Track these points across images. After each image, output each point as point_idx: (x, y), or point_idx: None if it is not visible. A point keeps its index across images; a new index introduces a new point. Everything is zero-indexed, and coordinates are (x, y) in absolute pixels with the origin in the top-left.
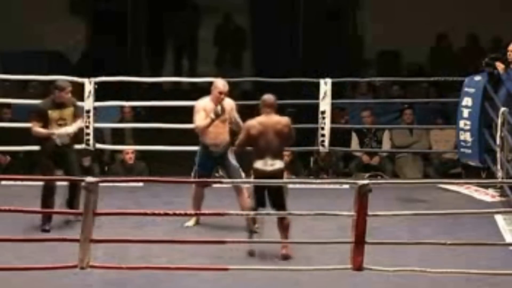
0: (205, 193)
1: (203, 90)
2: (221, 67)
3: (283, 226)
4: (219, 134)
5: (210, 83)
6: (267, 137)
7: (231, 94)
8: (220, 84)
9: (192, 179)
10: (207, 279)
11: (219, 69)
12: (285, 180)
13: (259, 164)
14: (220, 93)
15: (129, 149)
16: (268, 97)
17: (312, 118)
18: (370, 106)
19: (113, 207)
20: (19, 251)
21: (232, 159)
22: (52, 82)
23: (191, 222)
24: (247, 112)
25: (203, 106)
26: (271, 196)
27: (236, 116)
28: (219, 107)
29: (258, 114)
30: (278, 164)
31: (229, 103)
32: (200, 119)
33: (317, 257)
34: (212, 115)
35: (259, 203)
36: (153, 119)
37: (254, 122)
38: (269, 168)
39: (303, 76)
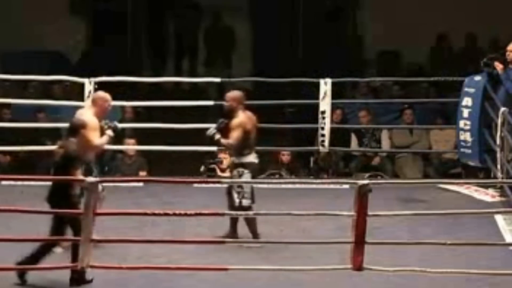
0: (205, 193)
1: (203, 90)
2: (212, 68)
3: None
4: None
5: (210, 83)
6: (254, 131)
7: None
8: (108, 96)
9: (192, 179)
10: (207, 279)
11: (209, 69)
12: (286, 180)
13: (252, 158)
14: (109, 105)
15: (129, 141)
16: (241, 93)
17: (312, 118)
18: (368, 106)
19: (113, 207)
20: (19, 251)
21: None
22: (52, 82)
23: None
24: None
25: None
26: None
27: None
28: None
29: (257, 114)
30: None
31: None
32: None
33: (317, 257)
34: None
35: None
36: (153, 119)
37: (245, 118)
38: (257, 161)
39: (303, 76)
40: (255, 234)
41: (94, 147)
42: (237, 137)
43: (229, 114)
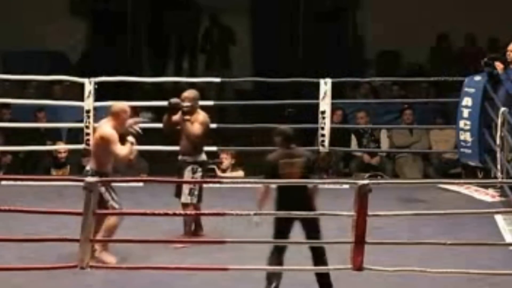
0: (204, 193)
1: (203, 90)
2: (212, 68)
3: None
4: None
5: (209, 83)
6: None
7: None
8: (126, 106)
9: (191, 179)
10: (207, 279)
11: (209, 69)
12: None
13: (204, 157)
14: (128, 116)
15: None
16: (197, 92)
17: (312, 118)
18: (367, 106)
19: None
20: (19, 251)
21: None
22: (52, 82)
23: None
24: (247, 112)
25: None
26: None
27: None
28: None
29: (257, 114)
30: None
31: None
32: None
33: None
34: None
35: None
36: (153, 119)
37: (207, 118)
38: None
39: (303, 76)
40: (187, 232)
41: (120, 159)
42: (199, 133)
43: (189, 114)
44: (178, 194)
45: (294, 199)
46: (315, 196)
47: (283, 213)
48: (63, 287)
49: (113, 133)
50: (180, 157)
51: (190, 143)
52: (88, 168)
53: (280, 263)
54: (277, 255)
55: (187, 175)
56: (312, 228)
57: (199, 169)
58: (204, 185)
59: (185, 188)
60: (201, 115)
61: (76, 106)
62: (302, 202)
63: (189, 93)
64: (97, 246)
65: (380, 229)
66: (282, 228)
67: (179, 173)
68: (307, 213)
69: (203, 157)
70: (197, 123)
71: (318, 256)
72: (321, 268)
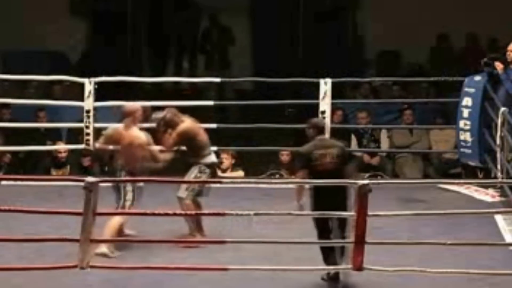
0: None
1: (203, 90)
2: (211, 68)
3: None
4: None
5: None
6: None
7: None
8: (138, 105)
9: (191, 179)
10: (207, 279)
11: (209, 69)
12: (286, 180)
13: (214, 158)
14: (140, 114)
15: None
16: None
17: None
18: (366, 107)
19: (113, 207)
20: (19, 251)
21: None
22: (52, 82)
23: None
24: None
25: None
26: None
27: None
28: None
29: (257, 114)
30: None
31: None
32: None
33: (317, 257)
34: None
35: None
36: None
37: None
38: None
39: (303, 76)
40: (192, 231)
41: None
42: (171, 144)
43: (165, 130)
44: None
45: (330, 190)
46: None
47: (282, 213)
48: (63, 287)
49: (141, 135)
50: (190, 160)
51: (190, 149)
52: (118, 163)
53: (335, 258)
54: (329, 251)
55: (194, 172)
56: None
57: (207, 170)
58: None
59: (183, 187)
60: (181, 126)
61: (76, 106)
62: (338, 192)
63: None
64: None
65: (380, 229)
66: (323, 223)
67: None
68: (307, 213)
69: (212, 158)
70: (174, 134)
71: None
72: (322, 268)
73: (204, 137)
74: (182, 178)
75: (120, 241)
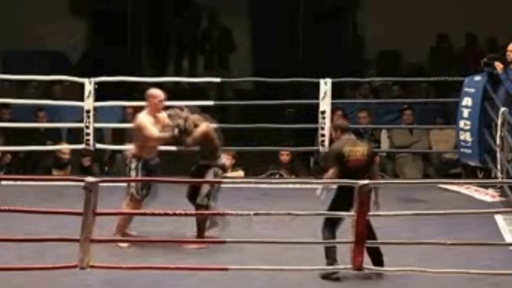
0: None
1: (203, 90)
2: (211, 68)
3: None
4: (157, 147)
5: (209, 83)
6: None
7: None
8: (158, 92)
9: (191, 179)
10: (207, 279)
11: (209, 69)
12: (286, 180)
13: (224, 160)
14: (161, 100)
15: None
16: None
17: (312, 118)
18: (366, 107)
19: (113, 207)
20: (19, 251)
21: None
22: (52, 82)
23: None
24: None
25: (149, 120)
26: None
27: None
28: (181, 122)
29: (257, 114)
30: None
31: (164, 116)
32: (156, 131)
33: (317, 257)
34: (176, 132)
35: None
36: None
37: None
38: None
39: (303, 76)
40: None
41: (157, 138)
42: (190, 144)
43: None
44: (192, 195)
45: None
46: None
47: (282, 213)
48: (63, 287)
49: (143, 118)
50: (201, 162)
51: (205, 150)
52: (128, 153)
53: (334, 235)
54: (331, 227)
55: (210, 177)
56: None
57: (219, 172)
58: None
59: (204, 189)
60: (203, 126)
61: (76, 106)
62: None
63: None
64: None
65: (380, 229)
66: (339, 207)
67: (198, 175)
68: (308, 213)
69: (223, 160)
70: (196, 133)
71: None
72: (323, 268)
73: (217, 139)
74: (187, 178)
75: (120, 241)
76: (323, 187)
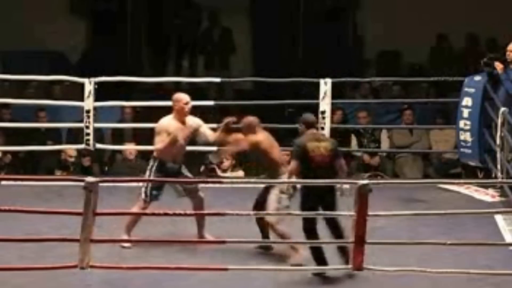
0: (204, 193)
1: (203, 90)
2: (212, 68)
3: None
4: (181, 151)
5: (209, 83)
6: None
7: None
8: (183, 96)
9: (191, 179)
10: (207, 279)
11: (209, 69)
12: (286, 180)
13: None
14: (186, 103)
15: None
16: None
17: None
18: (366, 107)
19: (113, 207)
20: (19, 251)
21: (186, 172)
22: (52, 82)
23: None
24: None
25: (165, 127)
26: None
27: (205, 129)
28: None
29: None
30: None
31: (194, 121)
32: (159, 142)
33: None
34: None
35: None
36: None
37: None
38: None
39: (303, 76)
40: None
41: (159, 151)
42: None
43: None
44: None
45: (320, 186)
46: (342, 177)
47: (282, 213)
48: (63, 287)
49: (159, 125)
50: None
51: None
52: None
53: (317, 237)
54: (311, 230)
55: (273, 199)
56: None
57: (284, 197)
58: (205, 185)
59: (271, 206)
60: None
61: (76, 106)
62: (327, 187)
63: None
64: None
65: (380, 229)
66: (309, 206)
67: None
68: (307, 213)
69: (284, 177)
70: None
71: (335, 227)
72: (321, 268)
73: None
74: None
75: (120, 241)
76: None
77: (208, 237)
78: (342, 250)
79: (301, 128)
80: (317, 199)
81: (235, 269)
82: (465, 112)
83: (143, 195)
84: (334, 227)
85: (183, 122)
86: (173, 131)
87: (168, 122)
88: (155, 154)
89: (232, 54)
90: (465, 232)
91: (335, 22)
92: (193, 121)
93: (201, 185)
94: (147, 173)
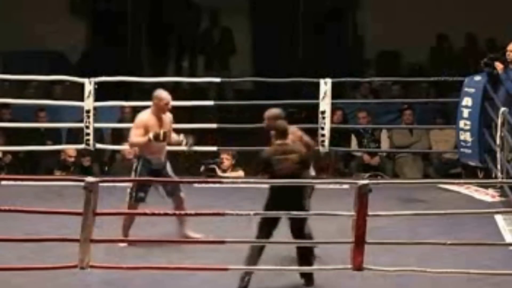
0: (204, 193)
1: (203, 90)
2: (212, 68)
3: None
4: (163, 148)
5: (209, 83)
6: None
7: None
8: (165, 95)
9: (192, 179)
10: (207, 279)
11: (209, 69)
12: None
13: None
14: (167, 104)
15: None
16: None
17: (312, 118)
18: (366, 107)
19: (113, 207)
20: (19, 251)
21: (171, 172)
22: (52, 82)
23: None
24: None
25: (145, 122)
26: None
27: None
28: (161, 132)
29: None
30: None
31: (169, 116)
32: (136, 135)
33: (317, 257)
34: (151, 136)
35: None
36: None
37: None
38: None
39: (303, 76)
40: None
41: (131, 144)
42: None
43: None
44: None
45: (286, 195)
46: (309, 193)
47: (282, 213)
48: (63, 287)
49: (138, 119)
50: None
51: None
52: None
53: (255, 262)
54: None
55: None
56: (298, 226)
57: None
58: (205, 185)
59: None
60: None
61: (76, 106)
62: (294, 199)
63: (268, 112)
64: None
65: (380, 229)
66: (268, 224)
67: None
68: (307, 213)
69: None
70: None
71: (303, 255)
72: (321, 268)
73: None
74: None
75: (120, 241)
76: None
77: (192, 235)
78: (305, 274)
79: (272, 133)
80: (280, 203)
81: (235, 269)
82: (465, 112)
83: (128, 197)
84: (299, 237)
85: (160, 119)
86: (152, 126)
87: (147, 117)
88: (136, 153)
89: (232, 54)
90: (465, 232)
91: (335, 22)
92: (167, 116)
93: (198, 185)
94: (132, 174)
